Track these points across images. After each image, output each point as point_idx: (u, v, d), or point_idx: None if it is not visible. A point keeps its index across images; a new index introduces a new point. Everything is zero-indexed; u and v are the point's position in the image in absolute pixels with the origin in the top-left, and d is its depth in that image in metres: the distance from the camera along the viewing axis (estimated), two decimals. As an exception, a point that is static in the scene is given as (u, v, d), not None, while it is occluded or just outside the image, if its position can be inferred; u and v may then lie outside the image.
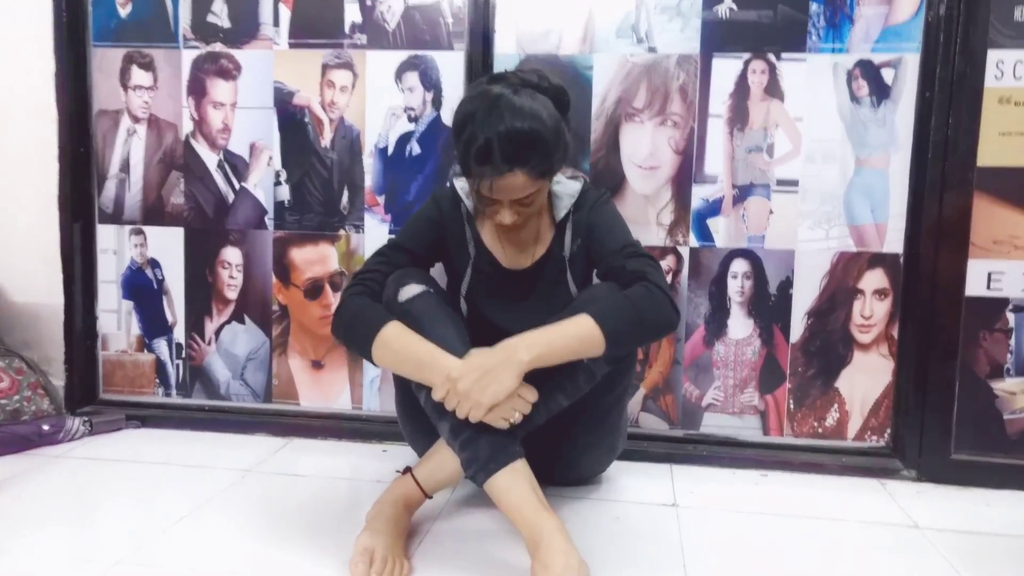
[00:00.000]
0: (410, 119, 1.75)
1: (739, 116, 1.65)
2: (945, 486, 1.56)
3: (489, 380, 1.12)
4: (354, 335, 1.25)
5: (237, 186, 1.82)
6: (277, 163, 1.80)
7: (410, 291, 1.27)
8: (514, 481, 1.13)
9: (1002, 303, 1.56)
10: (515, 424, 1.16)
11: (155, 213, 1.85)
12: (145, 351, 1.88)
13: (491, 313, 1.43)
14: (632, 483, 1.53)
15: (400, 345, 1.20)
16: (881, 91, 1.60)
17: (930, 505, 1.47)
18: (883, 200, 1.62)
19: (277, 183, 1.81)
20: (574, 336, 1.16)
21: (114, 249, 1.87)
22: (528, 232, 1.41)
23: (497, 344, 1.16)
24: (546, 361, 1.15)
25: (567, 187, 1.43)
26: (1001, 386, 1.58)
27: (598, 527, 1.33)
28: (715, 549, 1.26)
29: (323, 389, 1.83)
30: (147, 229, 1.85)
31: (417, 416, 1.34)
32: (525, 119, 1.18)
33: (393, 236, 1.47)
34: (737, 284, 1.67)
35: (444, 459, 1.24)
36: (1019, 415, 1.57)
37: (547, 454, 1.37)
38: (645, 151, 1.67)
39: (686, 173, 1.67)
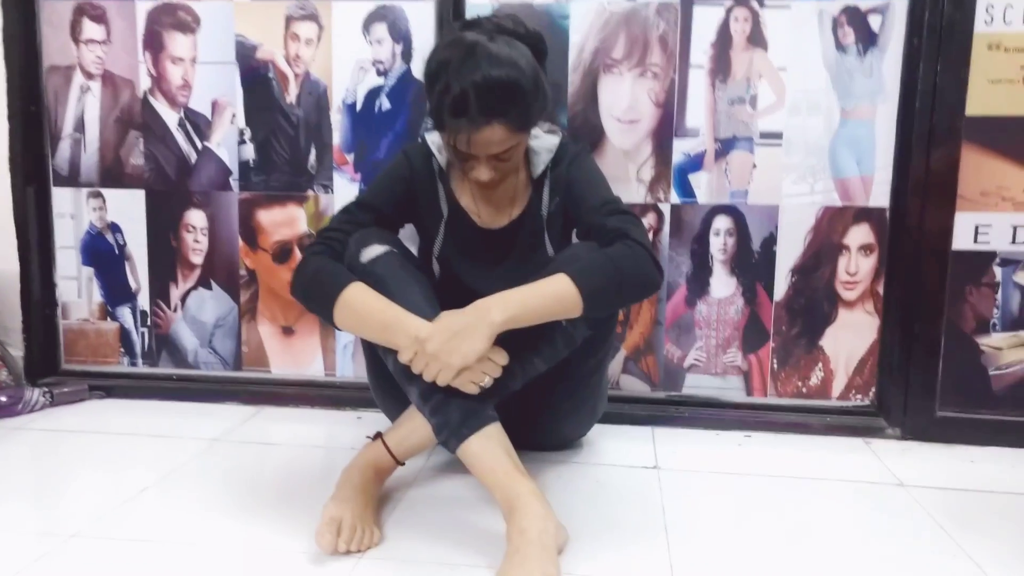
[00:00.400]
0: (379, 73, 1.67)
1: (721, 66, 1.58)
2: (930, 444, 1.54)
3: (459, 341, 1.07)
4: (315, 296, 1.19)
5: (200, 146, 1.74)
6: (241, 121, 1.72)
7: (373, 251, 1.21)
8: (487, 446, 1.08)
9: (989, 256, 1.53)
10: (486, 388, 1.11)
11: (114, 175, 1.76)
12: (108, 319, 1.81)
13: (465, 275, 1.37)
14: (613, 446, 1.50)
15: (363, 307, 1.14)
16: (867, 38, 1.54)
17: (915, 463, 1.44)
18: (869, 152, 1.57)
19: (241, 142, 1.73)
20: (550, 296, 1.10)
21: (71, 213, 1.79)
22: (505, 190, 1.35)
23: (468, 305, 1.10)
24: (520, 322, 1.10)
25: (545, 142, 1.36)
26: (987, 342, 1.55)
27: (578, 491, 1.29)
28: (697, 511, 1.23)
29: (295, 356, 1.77)
30: (106, 192, 1.77)
31: (388, 382, 1.28)
32: (503, 67, 1.11)
33: (362, 193, 1.40)
34: (720, 241, 1.62)
35: (416, 424, 1.19)
36: (1005, 371, 1.55)
37: (526, 418, 1.32)
38: (624, 104, 1.61)
39: (667, 127, 1.61)
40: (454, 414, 1.10)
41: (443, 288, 1.40)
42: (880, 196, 1.58)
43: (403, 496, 1.25)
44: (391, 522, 1.16)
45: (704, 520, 1.19)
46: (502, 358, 1.11)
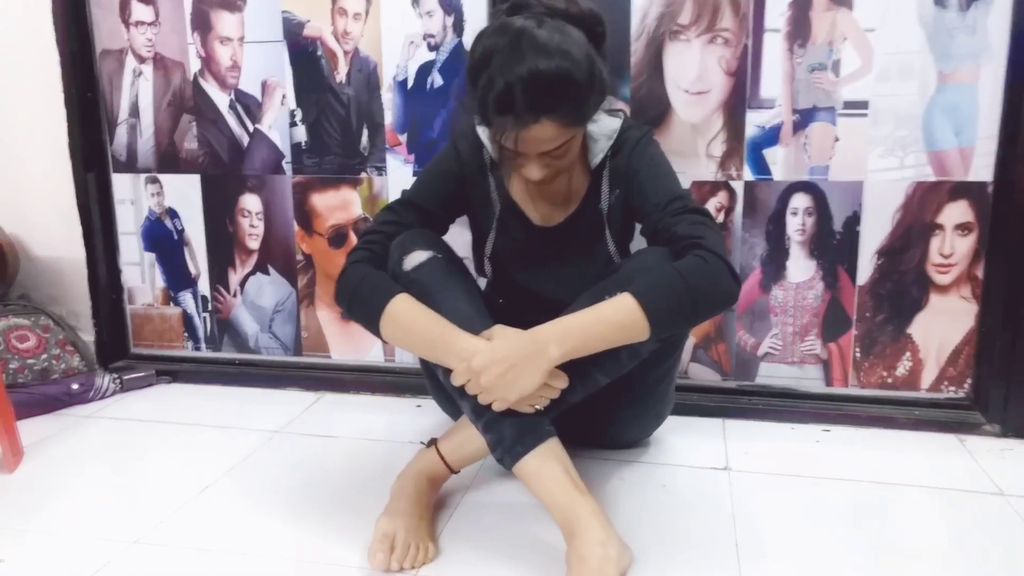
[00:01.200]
0: (430, 47, 1.59)
1: (800, 29, 1.43)
2: (1032, 442, 1.41)
3: (514, 376, 1.00)
4: (359, 310, 1.13)
5: (251, 128, 1.70)
6: (291, 101, 1.67)
7: (416, 258, 1.14)
8: (544, 463, 1.02)
9: (1109, 236, 1.36)
10: (541, 408, 1.04)
11: (169, 160, 1.75)
12: (171, 304, 1.82)
13: (519, 276, 1.30)
14: (681, 442, 1.42)
15: (410, 321, 1.08)
16: (973, -9, 1.37)
17: (1016, 466, 1.32)
18: (970, 120, 1.41)
19: (292, 124, 1.68)
20: (613, 323, 1.01)
21: (131, 199, 1.79)
22: (559, 185, 1.24)
23: (524, 333, 1.02)
24: (580, 353, 1.02)
25: (604, 126, 1.24)
26: (1102, 330, 1.39)
27: (643, 497, 1.23)
28: (770, 522, 1.15)
29: (354, 341, 1.75)
30: (162, 177, 1.76)
31: (442, 383, 1.23)
32: (552, 58, 1.00)
33: (406, 189, 1.33)
34: (797, 221, 1.50)
35: (471, 433, 1.14)
36: (1122, 362, 1.39)
37: (588, 421, 1.26)
38: (692, 74, 1.48)
39: (739, 97, 1.48)
40: (508, 431, 1.04)
41: (497, 287, 1.33)
42: (982, 169, 1.42)
43: (460, 501, 1.22)
44: (447, 532, 1.13)
45: (777, 535, 1.12)
46: (562, 382, 1.04)
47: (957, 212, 1.44)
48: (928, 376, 1.50)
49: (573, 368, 1.05)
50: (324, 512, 1.19)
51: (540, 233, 1.27)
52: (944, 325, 1.48)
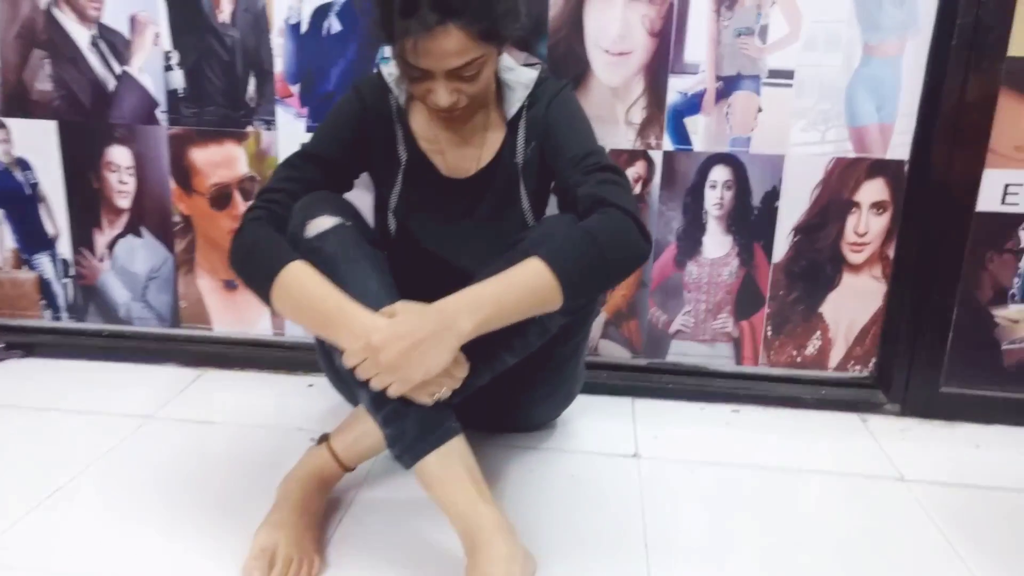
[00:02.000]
0: (326, -13, 1.41)
1: (729, -11, 1.35)
2: (931, 422, 1.42)
3: (419, 354, 0.89)
4: (249, 273, 1.01)
5: (118, 70, 1.49)
6: (166, 42, 1.46)
7: (321, 224, 1.02)
8: (447, 465, 0.93)
9: (1016, 219, 1.36)
10: (443, 399, 0.95)
11: (18, 102, 1.51)
12: (24, 268, 1.60)
13: (425, 233, 1.19)
14: (590, 425, 1.36)
15: (303, 293, 0.96)
16: (902, -40, 1.31)
17: (915, 448, 1.33)
18: (892, 96, 1.37)
19: (168, 67, 1.48)
20: (525, 289, 0.92)
21: (-27, 146, 1.55)
22: (473, 129, 1.16)
23: (430, 306, 0.92)
24: (492, 326, 0.93)
25: (521, 75, 1.16)
26: (1003, 313, 1.41)
27: (550, 490, 1.16)
28: (678, 514, 1.11)
29: (239, 312, 1.59)
30: (9, 122, 1.53)
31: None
32: None
33: (305, 142, 1.19)
34: (716, 195, 1.44)
35: (368, 427, 1.04)
36: (1019, 344, 1.42)
37: (493, 403, 1.17)
38: (614, 32, 1.38)
39: (662, 60, 1.38)
40: (410, 425, 0.94)
41: (401, 247, 1.22)
42: (899, 147, 1.39)
43: (352, 500, 1.12)
44: (336, 539, 1.03)
45: (686, 527, 1.08)
46: (463, 370, 0.94)
47: (874, 190, 1.41)
48: (836, 355, 1.49)
49: (477, 349, 0.96)
50: (200, 518, 1.07)
51: (450, 186, 1.17)
52: (854, 304, 1.47)
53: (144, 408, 1.39)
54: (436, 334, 0.90)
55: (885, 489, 1.20)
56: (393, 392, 0.91)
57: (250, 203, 1.10)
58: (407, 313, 0.92)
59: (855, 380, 1.49)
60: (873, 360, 1.48)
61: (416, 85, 1.03)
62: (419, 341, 0.89)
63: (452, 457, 0.94)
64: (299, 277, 0.97)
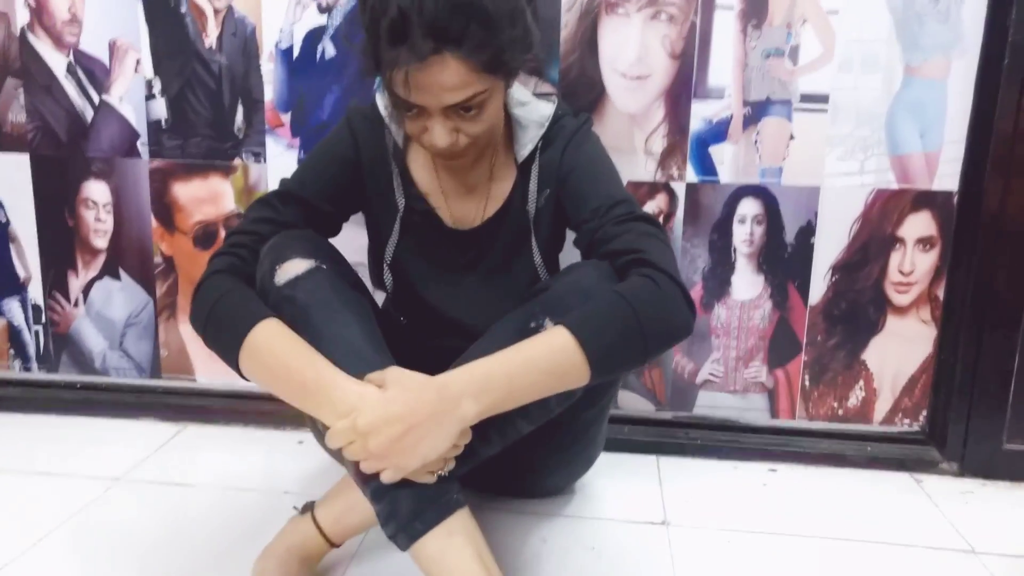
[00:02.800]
0: (321, 9, 1.31)
1: (755, 8, 1.24)
2: (995, 483, 1.27)
3: (414, 440, 0.76)
4: (214, 336, 0.87)
5: (96, 99, 1.38)
6: (148, 69, 1.36)
7: (293, 268, 0.88)
8: (450, 545, 0.78)
9: (1080, 256, 1.23)
10: (447, 473, 0.80)
11: (-10, 136, 1.41)
12: (-8, 315, 1.48)
13: (425, 290, 1.05)
14: (612, 488, 1.21)
15: (275, 360, 0.82)
16: (946, -26, 1.20)
17: (983, 514, 1.17)
18: (937, 121, 1.25)
19: (150, 96, 1.37)
20: (545, 369, 0.79)
21: (-59, 183, 1.44)
22: (480, 172, 1.03)
23: (429, 381, 0.79)
24: (502, 409, 0.79)
25: (534, 111, 1.02)
26: (1069, 359, 1.26)
27: (569, 564, 1.01)
28: (722, 601, 0.95)
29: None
30: (-20, 157, 1.42)
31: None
32: None
33: (286, 178, 1.07)
34: (745, 231, 1.31)
35: (357, 497, 0.89)
36: (1088, 394, 1.27)
37: (504, 467, 1.02)
38: (631, 55, 1.27)
39: (684, 84, 1.27)
40: (404, 501, 0.80)
41: (399, 303, 1.09)
42: (947, 178, 1.26)
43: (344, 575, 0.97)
44: (321, 630, 0.88)
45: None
46: (466, 437, 0.80)
47: (920, 224, 1.28)
48: (882, 407, 1.35)
49: (489, 416, 0.81)
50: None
51: (453, 237, 1.04)
52: (900, 351, 1.32)
53: (116, 468, 1.25)
54: (435, 418, 0.76)
55: (954, 564, 1.04)
56: (386, 479, 0.78)
57: (215, 249, 0.96)
58: (401, 388, 0.78)
59: (905, 435, 1.34)
60: (924, 413, 1.34)
61: (410, 122, 0.90)
62: (414, 426, 0.76)
63: (455, 536, 0.79)
64: (269, 340, 0.83)
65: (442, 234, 1.04)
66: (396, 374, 0.79)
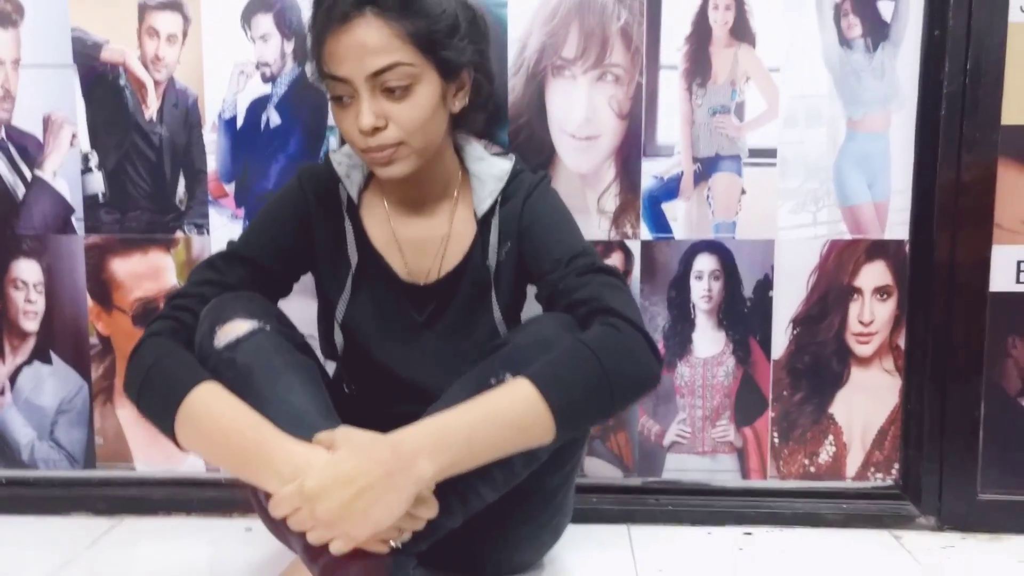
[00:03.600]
0: (265, 78, 1.29)
1: (699, 67, 1.26)
2: (975, 535, 1.23)
3: (367, 504, 0.71)
4: (148, 403, 0.82)
5: (29, 175, 1.33)
6: (84, 143, 1.32)
7: (233, 330, 0.84)
8: (406, 632, 0.71)
9: (1034, 299, 1.24)
10: (402, 545, 0.74)
11: (-88, 216, 1.34)
12: (-91, 406, 1.37)
13: (378, 351, 1.01)
14: (582, 560, 1.14)
15: (213, 424, 0.77)
16: (878, 30, 1.24)
17: (966, 569, 1.13)
18: (883, 172, 1.27)
19: (86, 170, 1.32)
20: (506, 422, 0.75)
21: None
22: (437, 222, 1.01)
23: (380, 438, 0.74)
24: (462, 469, 0.75)
25: (492, 166, 1.03)
26: (1035, 404, 1.26)
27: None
28: None
29: (166, 447, 1.33)
30: (-100, 239, 1.34)
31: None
32: None
33: (232, 240, 1.03)
34: (703, 286, 1.29)
35: (304, 583, 0.82)
36: (1057, 439, 1.26)
37: (467, 544, 0.96)
38: (580, 116, 1.27)
39: (634, 143, 1.27)
40: (356, 582, 0.73)
41: (348, 370, 1.03)
42: (898, 226, 1.27)
43: None
44: None
45: None
46: (430, 510, 0.75)
47: (875, 274, 1.28)
48: (854, 462, 1.31)
49: (449, 481, 0.76)
50: None
51: (409, 292, 1.00)
52: (867, 402, 1.30)
53: (41, 570, 1.13)
54: (388, 479, 0.71)
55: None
56: (335, 549, 0.72)
57: (156, 313, 0.92)
58: (351, 448, 0.73)
59: (879, 491, 1.30)
60: (896, 466, 1.31)
61: (340, 114, 0.92)
62: (366, 488, 0.70)
63: (413, 621, 0.72)
64: (207, 404, 0.78)
65: (397, 289, 1.01)
66: (345, 433, 0.74)
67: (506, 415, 0.75)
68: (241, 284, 0.95)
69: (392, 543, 0.74)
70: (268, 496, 0.74)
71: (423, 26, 0.87)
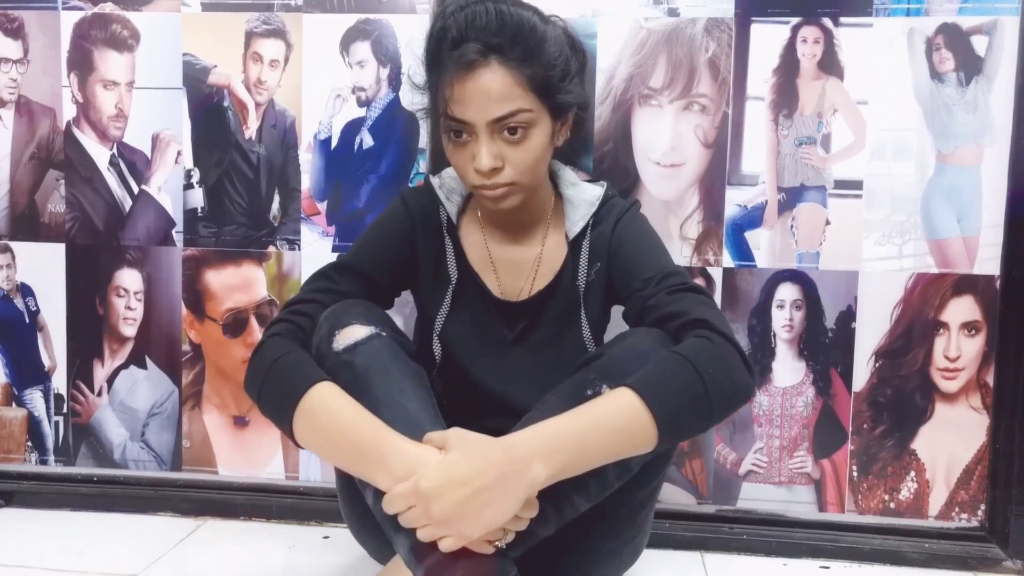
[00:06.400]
0: (360, 102, 1.35)
1: (786, 98, 1.27)
2: (1066, 583, 1.19)
3: (482, 505, 0.73)
4: (268, 399, 0.87)
5: (136, 189, 1.40)
6: (188, 160, 1.39)
7: (352, 334, 0.88)
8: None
9: None
10: (505, 546, 0.76)
11: (27, 225, 1.42)
12: (13, 404, 1.44)
13: (472, 364, 1.04)
14: (656, 587, 1.14)
15: (331, 420, 0.80)
16: (971, 64, 1.24)
17: (1058, 616, 1.10)
18: (973, 206, 1.25)
19: (188, 186, 1.39)
20: (613, 429, 0.77)
21: (-26, 271, 1.44)
22: (531, 244, 1.04)
23: (494, 442, 0.76)
24: (572, 473, 0.77)
25: (585, 191, 1.06)
26: None
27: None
28: None
29: (248, 453, 1.41)
30: (16, 246, 1.42)
31: (366, 507, 0.93)
32: (517, 6, 0.92)
33: (342, 253, 1.08)
34: (784, 316, 1.29)
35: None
36: None
37: (551, 557, 0.97)
38: (665, 144, 1.29)
39: (718, 172, 1.29)
40: (462, 582, 0.75)
41: (445, 377, 1.07)
42: (988, 262, 1.26)
43: None
44: None
45: None
46: (531, 510, 0.76)
47: (963, 308, 1.26)
48: (937, 501, 1.28)
49: (545, 490, 0.78)
50: None
51: (502, 309, 1.03)
52: (953, 440, 1.28)
53: (131, 566, 1.18)
54: (502, 481, 0.73)
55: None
56: (446, 547, 0.74)
57: (243, 337, 0.97)
58: (466, 449, 0.76)
59: (963, 532, 1.27)
60: (982, 507, 1.27)
61: (457, 152, 0.94)
62: (481, 489, 0.73)
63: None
64: (326, 401, 0.82)
65: (491, 306, 1.04)
66: (459, 434, 0.77)
67: (613, 422, 0.77)
68: (352, 294, 1.00)
69: (497, 543, 0.77)
70: (381, 495, 0.76)
71: (542, 73, 0.91)
